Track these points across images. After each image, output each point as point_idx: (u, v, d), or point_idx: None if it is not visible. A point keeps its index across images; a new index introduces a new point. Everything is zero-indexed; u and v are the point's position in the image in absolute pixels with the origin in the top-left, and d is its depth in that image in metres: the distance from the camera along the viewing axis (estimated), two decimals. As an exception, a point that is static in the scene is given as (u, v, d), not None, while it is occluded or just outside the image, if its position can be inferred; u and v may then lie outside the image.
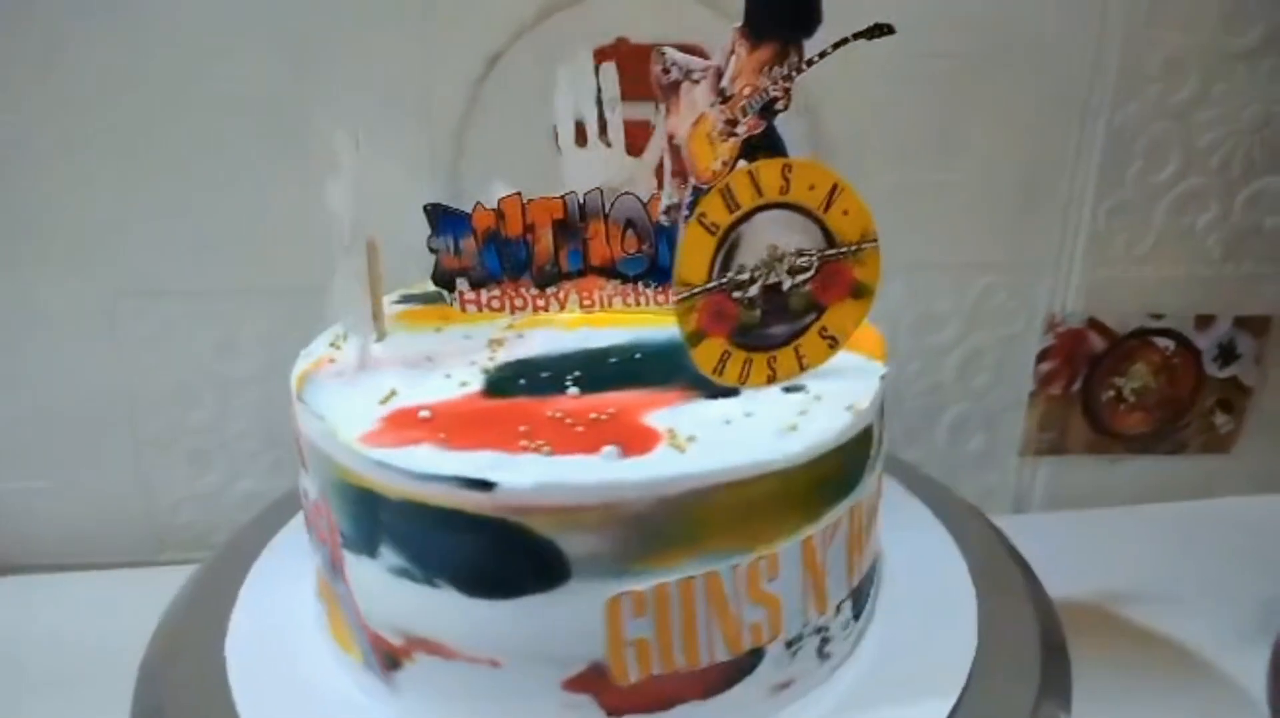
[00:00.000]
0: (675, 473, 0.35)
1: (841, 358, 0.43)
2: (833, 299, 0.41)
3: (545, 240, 0.46)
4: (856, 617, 0.44)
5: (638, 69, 0.61)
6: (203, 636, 0.45)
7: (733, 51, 0.42)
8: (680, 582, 0.36)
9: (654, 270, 0.46)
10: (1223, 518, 0.72)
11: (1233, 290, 0.70)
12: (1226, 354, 0.72)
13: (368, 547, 0.39)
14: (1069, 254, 0.68)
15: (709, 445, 0.37)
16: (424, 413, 0.40)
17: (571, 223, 0.46)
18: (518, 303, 0.47)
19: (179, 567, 0.53)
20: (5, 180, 0.60)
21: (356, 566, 0.40)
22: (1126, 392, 0.72)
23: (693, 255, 0.40)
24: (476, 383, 0.42)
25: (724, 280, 0.40)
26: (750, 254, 0.40)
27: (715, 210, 0.39)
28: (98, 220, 0.61)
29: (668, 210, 0.46)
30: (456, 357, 0.44)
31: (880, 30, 0.40)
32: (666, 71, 0.45)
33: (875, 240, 0.41)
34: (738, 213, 0.40)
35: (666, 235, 0.46)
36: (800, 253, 0.41)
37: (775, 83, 0.41)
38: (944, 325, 0.69)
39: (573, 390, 0.41)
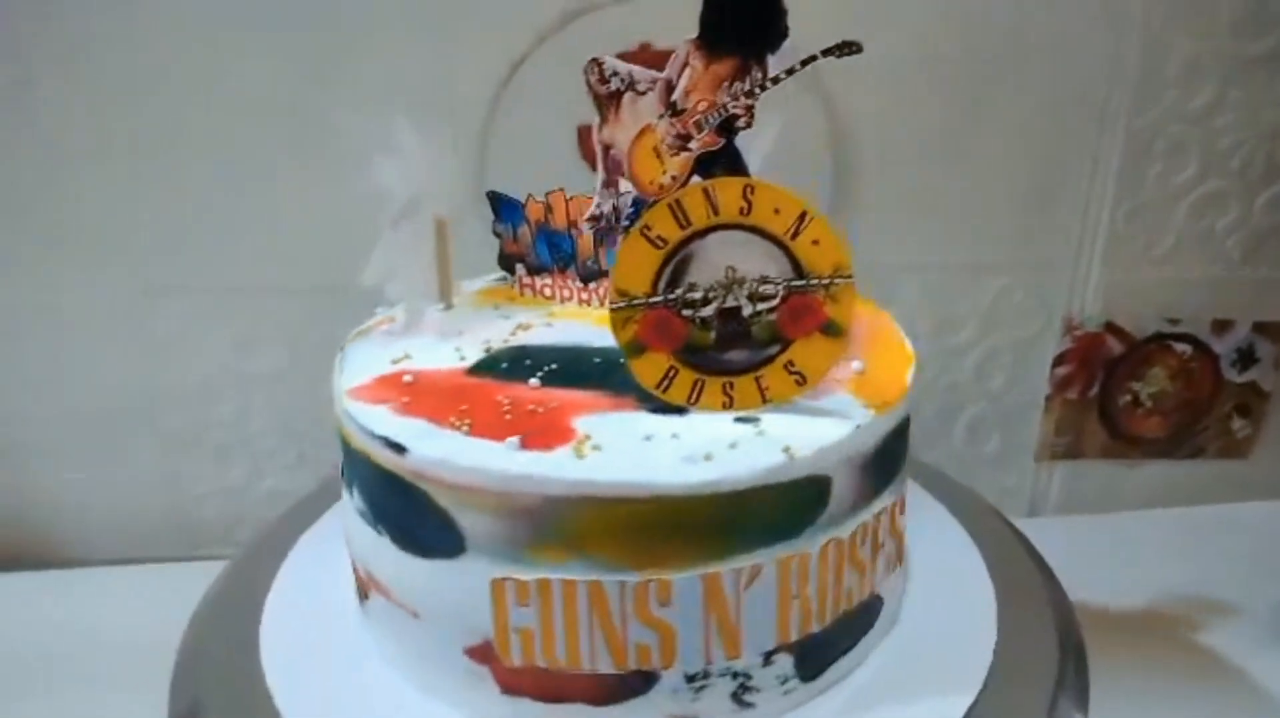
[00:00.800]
0: (556, 475, 0.36)
1: (839, 399, 0.40)
2: (800, 333, 0.39)
3: (587, 237, 0.47)
4: (807, 677, 0.41)
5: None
6: (238, 622, 0.46)
7: (686, 64, 0.41)
8: (564, 582, 0.37)
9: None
10: (1240, 523, 0.71)
11: (1251, 294, 0.69)
12: (1245, 359, 0.71)
13: (349, 486, 0.43)
14: (1087, 257, 0.67)
15: (610, 457, 0.37)
16: (408, 378, 0.43)
17: (607, 223, 0.47)
18: (565, 293, 0.49)
19: (206, 562, 0.54)
20: (33, 182, 0.61)
21: (345, 502, 0.44)
22: (1143, 396, 0.72)
23: (633, 266, 0.39)
24: (470, 360, 0.44)
25: (671, 296, 0.39)
26: (704, 273, 0.39)
27: (662, 223, 0.38)
28: (122, 220, 0.62)
29: (594, 218, 0.46)
30: (480, 334, 0.46)
31: (848, 48, 0.38)
32: (604, 81, 0.44)
33: (850, 276, 0.38)
34: (689, 229, 0.38)
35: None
36: (764, 280, 0.39)
37: (736, 99, 0.40)
38: (961, 327, 0.69)
39: (534, 381, 0.42)
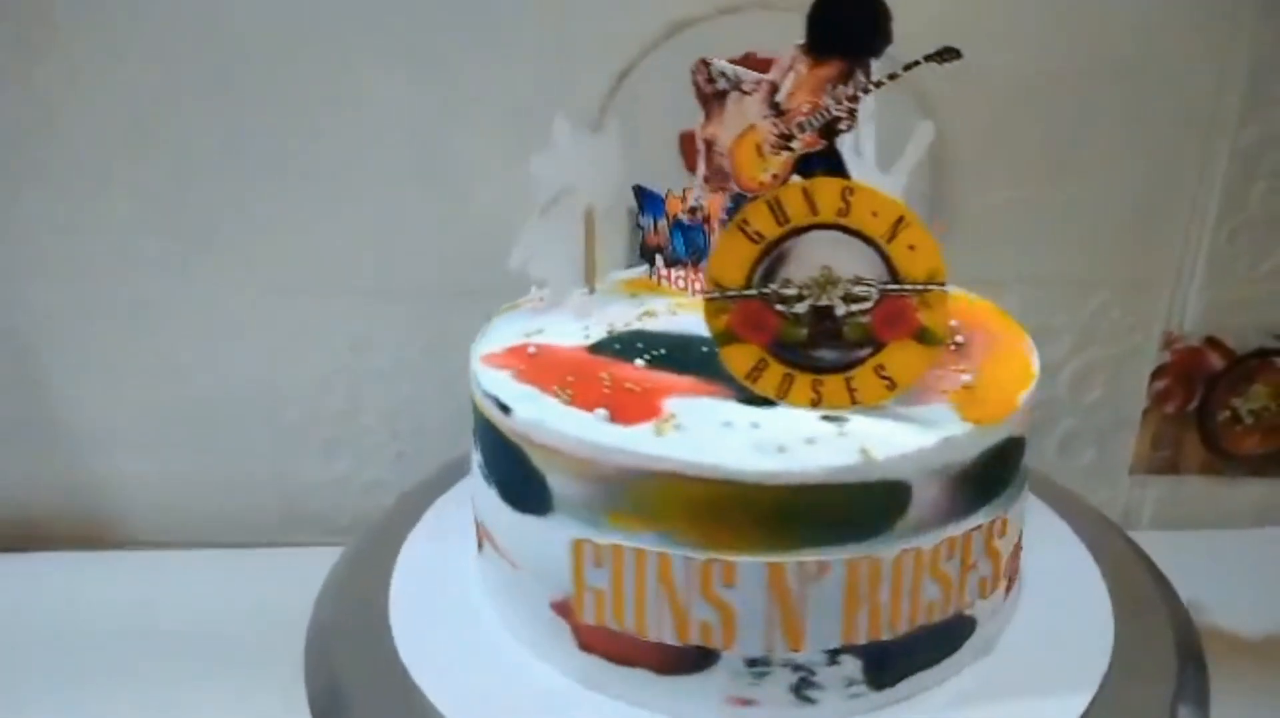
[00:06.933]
0: (632, 448, 0.38)
1: (937, 410, 0.40)
2: (893, 337, 0.39)
3: (719, 232, 0.48)
4: (876, 685, 0.41)
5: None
6: (366, 600, 0.48)
7: (791, 68, 0.42)
8: (635, 549, 0.39)
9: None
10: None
11: (1358, 313, 0.68)
12: (1351, 377, 0.70)
13: (474, 442, 0.46)
14: (1189, 272, 0.67)
15: (687, 438, 0.38)
16: (532, 349, 0.46)
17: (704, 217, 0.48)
18: (696, 285, 0.50)
19: (310, 548, 0.57)
20: (168, 189, 0.64)
21: (473, 457, 0.47)
22: (1243, 412, 0.71)
23: (729, 258, 0.40)
24: (592, 339, 0.47)
25: (765, 290, 0.39)
26: (800, 271, 0.39)
27: (760, 219, 0.39)
28: (253, 226, 0.65)
29: (692, 211, 0.48)
30: (610, 318, 0.49)
31: (949, 54, 0.39)
32: (711, 80, 0.46)
33: (943, 284, 0.38)
34: (787, 226, 0.39)
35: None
36: (858, 281, 0.39)
37: (839, 102, 0.41)
38: (1058, 340, 0.69)
39: (639, 362, 0.44)
